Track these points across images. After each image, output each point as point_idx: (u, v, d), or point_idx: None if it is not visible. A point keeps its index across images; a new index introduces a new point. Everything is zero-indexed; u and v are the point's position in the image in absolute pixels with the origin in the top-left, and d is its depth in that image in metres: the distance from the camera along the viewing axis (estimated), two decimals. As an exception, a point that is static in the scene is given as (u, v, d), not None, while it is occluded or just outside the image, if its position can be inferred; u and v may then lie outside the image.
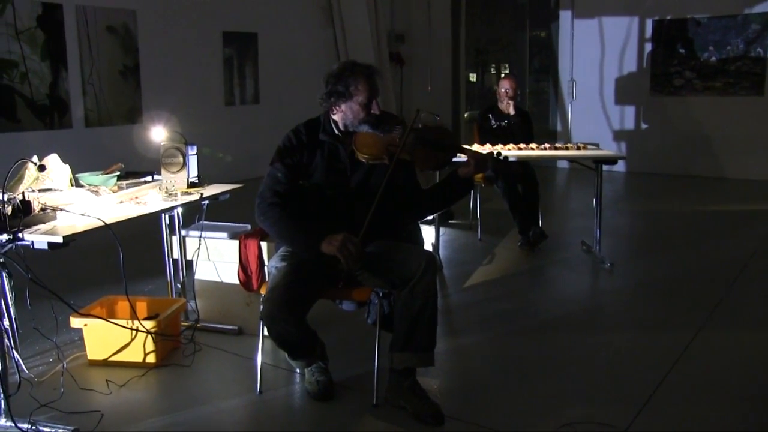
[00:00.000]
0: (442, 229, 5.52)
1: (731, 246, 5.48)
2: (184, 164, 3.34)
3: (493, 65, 13.79)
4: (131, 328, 3.13)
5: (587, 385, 3.04)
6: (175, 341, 3.40)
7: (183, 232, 3.61)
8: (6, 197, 2.48)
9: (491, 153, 2.87)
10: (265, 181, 2.83)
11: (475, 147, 5.13)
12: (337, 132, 2.87)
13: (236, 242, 3.46)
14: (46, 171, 2.97)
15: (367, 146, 2.77)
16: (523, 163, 5.27)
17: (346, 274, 2.72)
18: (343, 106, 2.82)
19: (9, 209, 2.47)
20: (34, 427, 2.58)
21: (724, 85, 8.70)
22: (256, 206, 2.80)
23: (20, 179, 2.90)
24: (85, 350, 3.25)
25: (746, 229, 6.17)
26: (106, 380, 3.03)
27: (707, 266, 4.91)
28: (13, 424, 2.54)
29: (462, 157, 2.83)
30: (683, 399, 2.90)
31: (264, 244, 3.40)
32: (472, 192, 5.59)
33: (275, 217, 2.74)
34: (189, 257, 3.63)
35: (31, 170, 2.93)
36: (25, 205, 2.57)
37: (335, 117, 2.86)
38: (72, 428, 2.57)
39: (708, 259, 5.09)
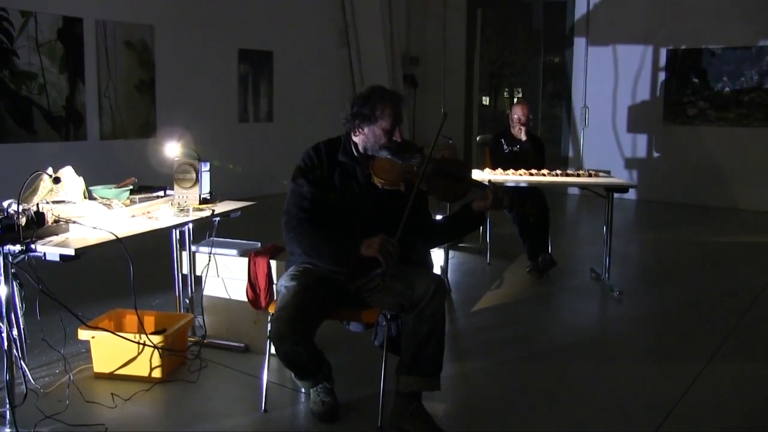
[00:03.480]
0: (451, 253, 5.51)
1: (742, 277, 5.44)
2: (197, 180, 3.36)
3: (507, 89, 13.83)
4: (138, 342, 3.14)
5: (594, 414, 3.01)
6: (181, 357, 3.40)
7: (193, 248, 3.62)
8: (20, 208, 2.50)
9: (507, 191, 2.85)
10: (290, 199, 2.84)
11: (487, 171, 5.14)
12: (356, 154, 2.89)
13: (246, 260, 3.47)
14: (60, 183, 3.00)
15: (385, 172, 2.79)
16: (533, 188, 5.27)
17: (383, 276, 2.72)
18: (365, 129, 2.83)
19: (23, 220, 2.49)
20: (38, 439, 2.58)
21: (737, 116, 8.69)
22: (284, 224, 2.81)
23: (35, 190, 2.93)
24: (91, 363, 3.25)
25: (758, 260, 6.13)
26: (112, 394, 3.03)
27: (718, 297, 4.87)
28: (17, 435, 2.55)
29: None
30: (692, 430, 2.87)
31: (273, 263, 3.41)
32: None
33: (307, 232, 2.76)
34: (198, 273, 3.64)
35: (45, 182, 2.95)
36: (39, 216, 2.59)
37: (356, 139, 2.88)
38: (76, 441, 2.58)
39: (719, 290, 5.05)
